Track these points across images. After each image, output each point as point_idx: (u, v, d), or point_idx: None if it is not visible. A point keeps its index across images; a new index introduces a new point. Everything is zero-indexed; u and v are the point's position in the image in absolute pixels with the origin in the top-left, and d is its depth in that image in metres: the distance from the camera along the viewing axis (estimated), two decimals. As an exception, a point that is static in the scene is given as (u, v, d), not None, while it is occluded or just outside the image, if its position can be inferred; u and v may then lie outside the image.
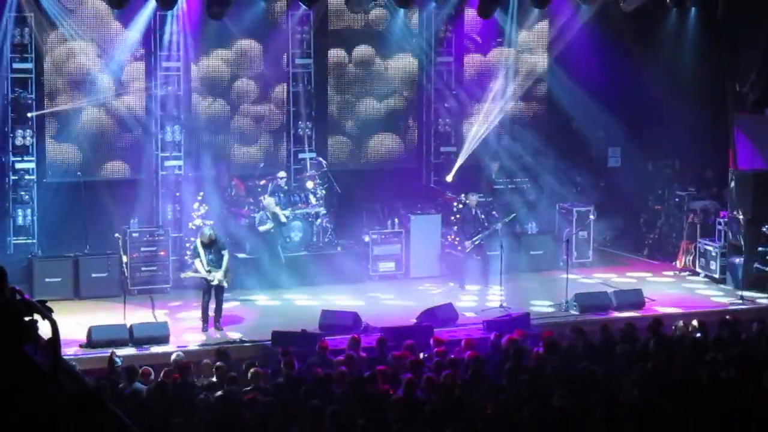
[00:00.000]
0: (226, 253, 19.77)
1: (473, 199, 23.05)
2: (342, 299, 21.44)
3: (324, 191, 23.53)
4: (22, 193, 22.49)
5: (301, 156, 24.28)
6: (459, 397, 13.52)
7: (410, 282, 22.96)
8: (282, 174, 23.33)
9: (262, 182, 23.27)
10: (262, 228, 22.29)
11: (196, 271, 19.73)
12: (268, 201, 22.45)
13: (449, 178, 24.79)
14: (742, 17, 23.42)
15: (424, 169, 25.62)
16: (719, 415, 12.89)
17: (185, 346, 18.16)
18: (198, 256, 19.68)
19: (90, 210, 22.29)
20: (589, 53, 24.94)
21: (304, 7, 23.11)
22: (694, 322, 17.60)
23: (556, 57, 25.64)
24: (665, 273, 23.95)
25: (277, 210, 22.37)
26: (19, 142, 22.41)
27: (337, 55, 25.00)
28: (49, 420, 7.42)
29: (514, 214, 23.32)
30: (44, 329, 8.50)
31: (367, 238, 23.28)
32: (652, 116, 25.38)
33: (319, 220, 23.39)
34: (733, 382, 14.09)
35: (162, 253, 21.91)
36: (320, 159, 24.11)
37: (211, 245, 19.64)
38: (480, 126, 25.03)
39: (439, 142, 25.53)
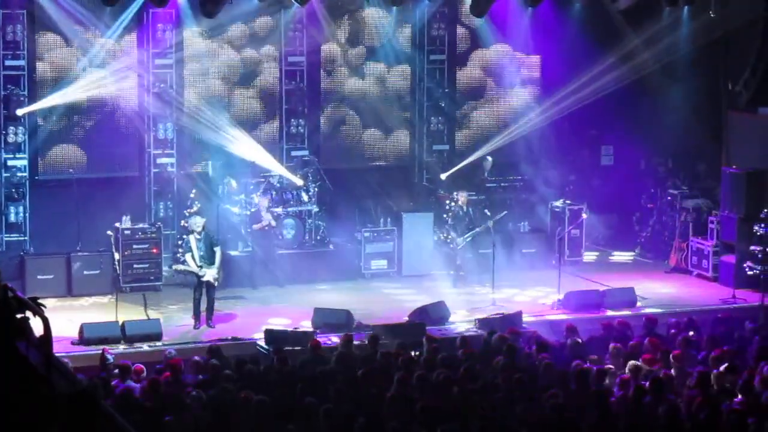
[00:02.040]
0: (218, 251, 19.77)
1: (464, 197, 23.05)
2: (334, 297, 21.42)
3: (316, 189, 23.51)
4: (14, 190, 22.45)
5: (294, 154, 24.26)
6: (452, 395, 13.52)
7: (403, 279, 22.94)
8: (274, 172, 23.30)
9: (255, 180, 23.22)
10: (256, 226, 22.26)
11: (188, 265, 19.72)
12: (261, 201, 22.42)
13: (444, 176, 24.77)
14: (735, 15, 23.44)
15: (417, 167, 25.60)
16: (713, 413, 12.89)
17: (178, 344, 18.12)
18: (190, 251, 19.66)
19: (82, 207, 22.23)
20: (581, 51, 24.91)
21: (297, 5, 23.08)
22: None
23: (548, 55, 25.64)
24: (658, 271, 23.95)
25: (265, 214, 22.32)
26: (11, 139, 22.39)
27: (330, 53, 24.94)
28: (42, 418, 7.40)
29: (505, 212, 23.32)
30: (36, 326, 8.48)
31: (359, 236, 23.26)
32: (645, 114, 25.38)
33: (311, 219, 23.37)
34: (725, 381, 14.11)
35: (154, 250, 21.86)
36: (313, 157, 24.13)
37: (203, 237, 19.61)
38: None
39: (432, 140, 25.52)
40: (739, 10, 23.37)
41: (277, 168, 23.37)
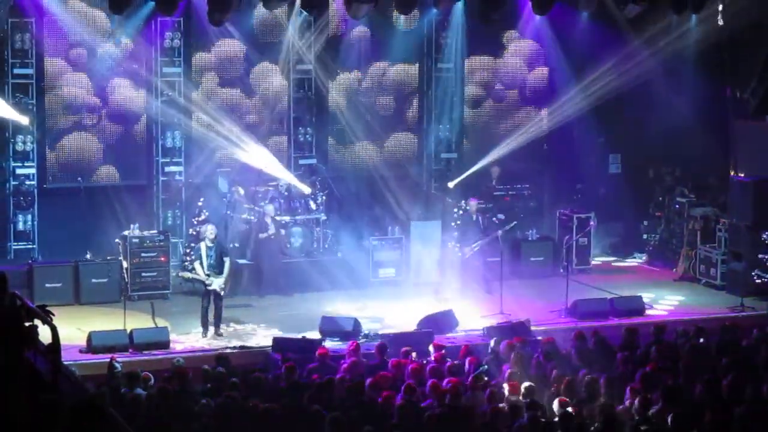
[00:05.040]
0: (227, 261, 19.74)
1: (473, 205, 23.04)
2: (342, 305, 21.41)
3: (324, 197, 23.52)
4: (23, 198, 22.50)
5: (301, 162, 24.28)
6: (459, 404, 13.50)
7: (411, 288, 22.89)
8: (282, 181, 23.32)
9: (263, 189, 23.24)
10: (262, 235, 22.25)
11: (195, 273, 19.71)
12: (269, 208, 22.42)
13: (451, 185, 24.77)
14: (743, 24, 23.43)
15: (425, 175, 25.60)
16: (720, 422, 12.87)
17: (185, 352, 18.14)
18: (199, 258, 19.65)
19: (90, 215, 22.31)
20: (589, 59, 24.93)
21: (305, 13, 23.12)
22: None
23: (556, 63, 25.64)
24: (665, 279, 23.92)
25: (268, 220, 22.31)
26: (19, 147, 22.44)
27: (338, 61, 24.93)
28: (50, 426, 7.42)
29: (515, 222, 23.31)
30: (44, 334, 8.50)
31: (367, 245, 23.24)
32: (653, 122, 25.36)
33: (319, 227, 23.37)
34: (733, 389, 14.08)
35: (162, 258, 21.87)
36: (320, 165, 24.18)
37: (214, 246, 19.61)
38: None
39: (440, 148, 25.53)
40: (746, 18, 23.34)
41: (286, 176, 23.37)
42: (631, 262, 25.51)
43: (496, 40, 25.96)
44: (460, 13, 24.70)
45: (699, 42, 24.51)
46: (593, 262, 24.78)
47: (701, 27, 24.37)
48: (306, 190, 23.37)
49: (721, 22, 23.34)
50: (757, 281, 22.08)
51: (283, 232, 22.55)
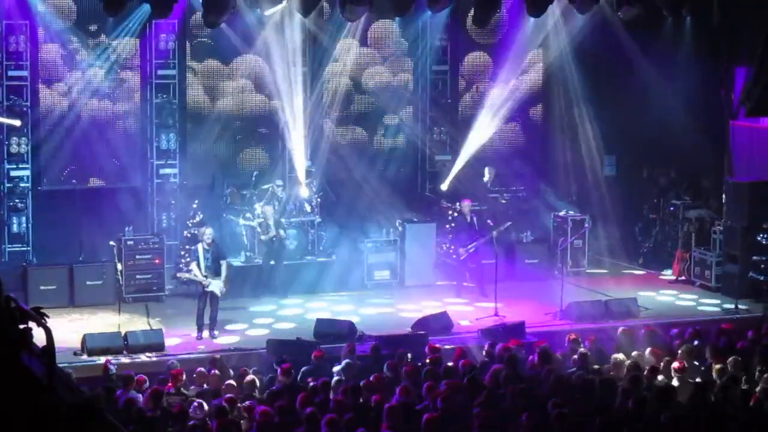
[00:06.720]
0: (224, 264, 19.73)
1: (466, 205, 23.01)
2: (337, 307, 21.41)
3: (319, 199, 23.51)
4: (17, 200, 22.48)
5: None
6: (455, 406, 13.50)
7: (405, 290, 22.90)
8: (279, 182, 23.31)
9: (258, 191, 23.23)
10: (264, 237, 22.22)
11: (194, 274, 19.68)
12: (268, 210, 22.38)
13: (444, 187, 24.77)
14: (737, 26, 23.45)
15: (419, 177, 25.60)
16: (715, 424, 12.88)
17: (180, 354, 18.12)
18: (197, 260, 19.63)
19: (85, 218, 22.27)
20: (584, 61, 24.95)
21: (300, 15, 23.11)
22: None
23: (552, 64, 25.65)
24: (660, 282, 23.93)
25: (271, 222, 22.28)
26: (14, 149, 22.41)
27: (333, 63, 24.94)
28: (44, 428, 7.40)
29: (510, 223, 23.30)
30: (39, 337, 8.48)
31: (362, 247, 23.24)
32: (648, 124, 25.36)
33: (313, 229, 23.36)
34: (727, 390, 14.10)
35: (157, 261, 21.84)
36: (315, 168, 24.16)
37: (211, 248, 19.59)
38: (481, 133, 24.96)
39: (435, 150, 25.52)
40: (742, 20, 23.36)
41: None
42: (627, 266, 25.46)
43: (491, 42, 25.95)
44: (454, 15, 24.74)
45: (693, 44, 24.52)
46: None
47: (696, 28, 24.39)
48: (305, 192, 23.36)
49: (715, 23, 23.41)
50: (752, 283, 22.07)
51: (283, 233, 22.51)
